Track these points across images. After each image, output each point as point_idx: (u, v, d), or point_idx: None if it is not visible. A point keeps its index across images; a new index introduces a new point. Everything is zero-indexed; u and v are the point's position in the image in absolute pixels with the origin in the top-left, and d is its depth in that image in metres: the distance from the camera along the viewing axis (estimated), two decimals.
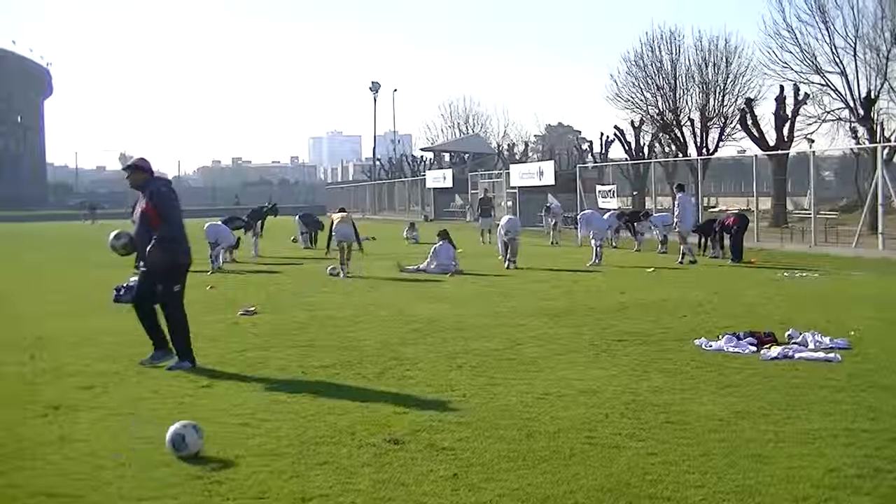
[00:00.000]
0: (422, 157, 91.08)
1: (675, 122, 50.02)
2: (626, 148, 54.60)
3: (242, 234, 28.36)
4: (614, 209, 34.63)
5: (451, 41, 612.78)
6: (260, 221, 30.60)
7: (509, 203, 49.14)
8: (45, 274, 24.14)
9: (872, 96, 38.44)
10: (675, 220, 25.13)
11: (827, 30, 40.40)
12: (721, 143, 48.87)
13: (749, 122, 42.15)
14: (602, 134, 60.68)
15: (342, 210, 23.87)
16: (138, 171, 10.55)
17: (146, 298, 10.52)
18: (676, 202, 25.93)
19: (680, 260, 23.75)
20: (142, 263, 10.51)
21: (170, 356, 10.42)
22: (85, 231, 49.82)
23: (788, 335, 11.24)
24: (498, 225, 25.63)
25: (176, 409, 8.27)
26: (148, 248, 10.17)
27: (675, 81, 50.66)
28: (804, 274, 20.29)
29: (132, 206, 11.09)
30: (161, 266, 10.24)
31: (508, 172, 52.77)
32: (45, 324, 14.10)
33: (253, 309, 15.13)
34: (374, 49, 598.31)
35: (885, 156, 28.60)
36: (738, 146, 53.00)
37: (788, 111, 40.88)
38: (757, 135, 41.97)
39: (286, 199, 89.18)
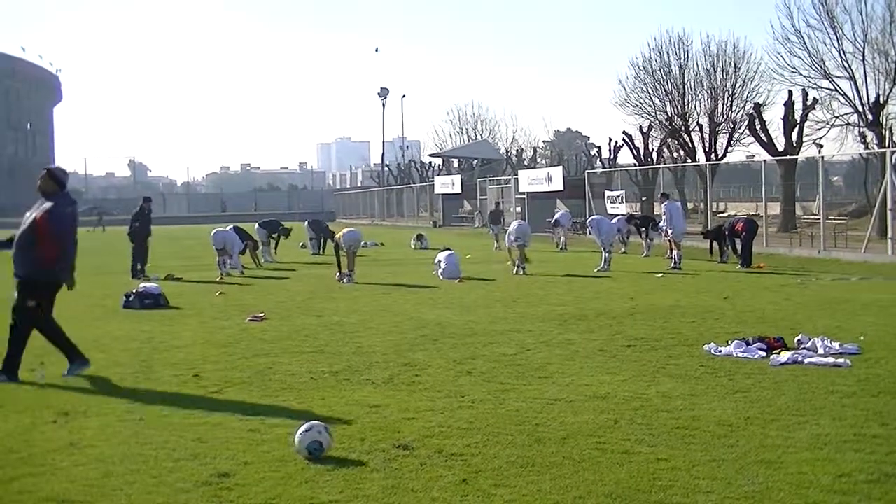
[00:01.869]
0: (430, 162, 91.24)
1: (683, 128, 49.97)
2: (635, 153, 54.55)
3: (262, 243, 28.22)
4: (623, 214, 34.58)
5: (460, 47, 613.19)
6: (272, 238, 30.17)
7: (518, 209, 49.11)
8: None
9: (881, 101, 38.34)
10: (666, 228, 25.00)
11: (835, 34, 40.34)
12: (730, 149, 48.81)
13: (758, 127, 42.09)
14: (611, 139, 60.74)
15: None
16: (51, 179, 10.25)
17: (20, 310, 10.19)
18: (663, 210, 25.86)
19: (672, 265, 23.68)
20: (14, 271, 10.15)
21: (84, 365, 10.23)
22: (93, 237, 49.90)
23: (798, 340, 11.21)
24: (507, 231, 25.59)
25: (186, 415, 8.28)
26: (31, 271, 9.93)
27: (684, 87, 50.61)
28: (817, 278, 20.26)
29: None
30: (30, 280, 9.99)
31: (517, 178, 52.77)
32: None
33: (262, 315, 15.15)
34: (382, 55, 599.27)
35: (894, 161, 28.50)
36: (746, 151, 53.02)
37: (797, 116, 40.80)
38: (765, 140, 41.90)
39: (295, 206, 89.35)
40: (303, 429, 6.91)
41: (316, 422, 7.06)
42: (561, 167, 56.22)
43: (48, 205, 10.03)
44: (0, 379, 9.90)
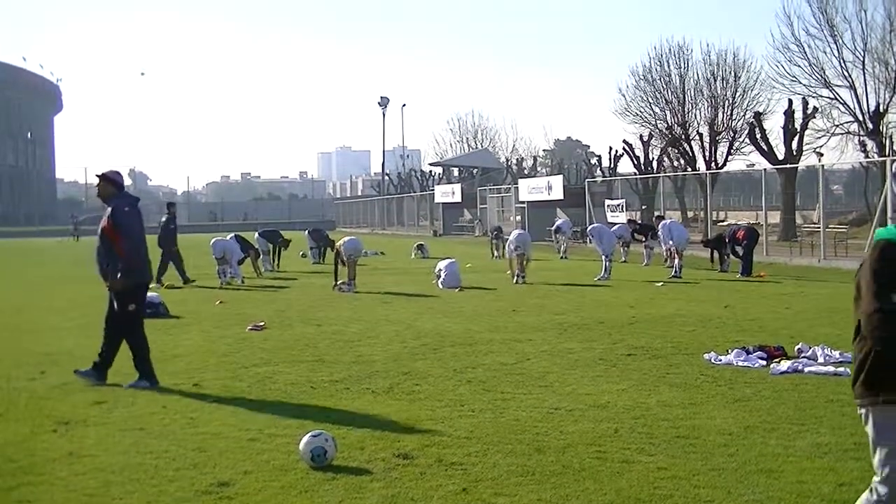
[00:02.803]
0: (430, 171, 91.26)
1: (683, 136, 50.06)
2: (635, 162, 54.61)
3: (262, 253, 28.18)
4: (623, 223, 34.58)
5: (460, 56, 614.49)
6: (273, 248, 30.08)
7: (518, 218, 49.12)
8: (54, 289, 24.18)
9: (881, 110, 38.44)
10: (667, 240, 25.01)
11: (835, 43, 40.46)
12: (730, 157, 48.91)
13: (758, 135, 42.16)
14: (611, 148, 60.85)
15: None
16: (109, 183, 10.37)
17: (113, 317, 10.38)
18: (660, 230, 25.94)
19: (673, 274, 23.70)
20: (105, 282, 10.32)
21: (101, 380, 10.26)
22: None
23: (798, 349, 11.21)
24: (508, 240, 25.59)
25: (186, 424, 8.28)
26: (112, 275, 10.05)
27: (684, 95, 50.75)
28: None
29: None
30: (122, 288, 10.13)
31: (517, 187, 52.81)
32: (54, 339, 14.14)
33: (262, 324, 15.15)
34: (382, 64, 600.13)
35: (894, 169, 28.37)
36: (746, 160, 53.07)
37: (797, 125, 40.88)
38: (766, 149, 41.96)
39: (295, 215, 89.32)
40: (311, 434, 6.92)
41: (325, 431, 7.07)
42: (561, 176, 56.28)
43: (110, 209, 10.20)
44: (142, 385, 10.06)
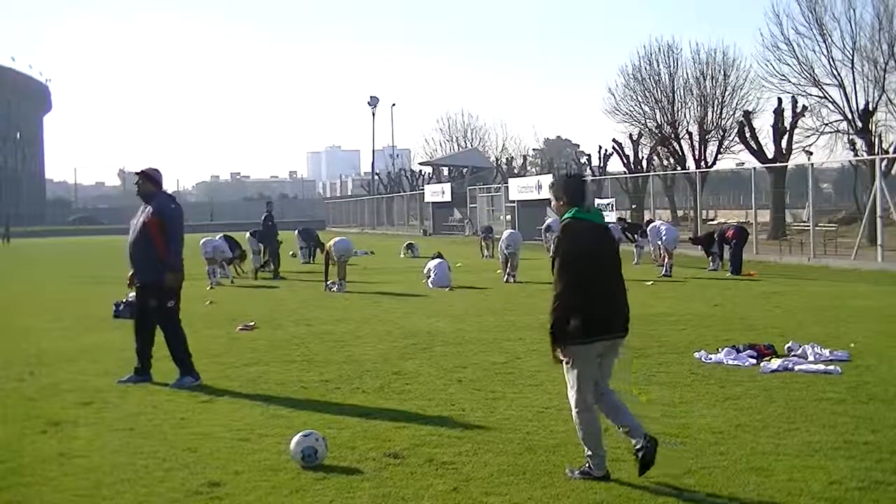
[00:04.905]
0: (420, 171, 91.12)
1: (673, 135, 50.10)
2: (625, 161, 54.62)
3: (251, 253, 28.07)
4: (614, 222, 34.58)
5: (450, 56, 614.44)
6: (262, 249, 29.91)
7: (508, 217, 49.10)
8: (43, 290, 24.13)
9: (870, 108, 38.48)
10: (659, 242, 25.08)
11: (825, 42, 40.49)
12: (719, 156, 48.95)
13: (747, 134, 42.18)
14: (601, 147, 60.71)
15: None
16: (148, 181, 10.40)
17: (146, 315, 10.42)
18: (648, 232, 26.06)
19: (663, 273, 23.76)
20: (136, 279, 10.37)
21: (145, 381, 10.23)
22: (83, 247, 49.73)
23: (788, 347, 11.22)
24: (498, 239, 25.61)
25: (176, 424, 8.27)
26: (156, 273, 10.07)
27: (674, 94, 50.78)
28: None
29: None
30: (169, 285, 10.15)
31: (507, 186, 52.77)
32: (44, 340, 14.10)
33: (252, 324, 15.13)
34: (372, 64, 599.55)
35: (883, 168, 28.60)
36: (736, 159, 53.09)
37: (787, 123, 40.91)
38: (755, 147, 41.99)
39: (285, 215, 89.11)
40: (301, 434, 6.91)
41: (315, 431, 7.06)
42: (551, 175, 56.22)
43: (153, 206, 10.20)
44: (187, 382, 10.05)
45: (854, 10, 40.33)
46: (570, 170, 62.10)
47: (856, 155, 39.39)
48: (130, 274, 10.49)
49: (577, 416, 6.40)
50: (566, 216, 6.75)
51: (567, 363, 6.54)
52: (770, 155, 41.06)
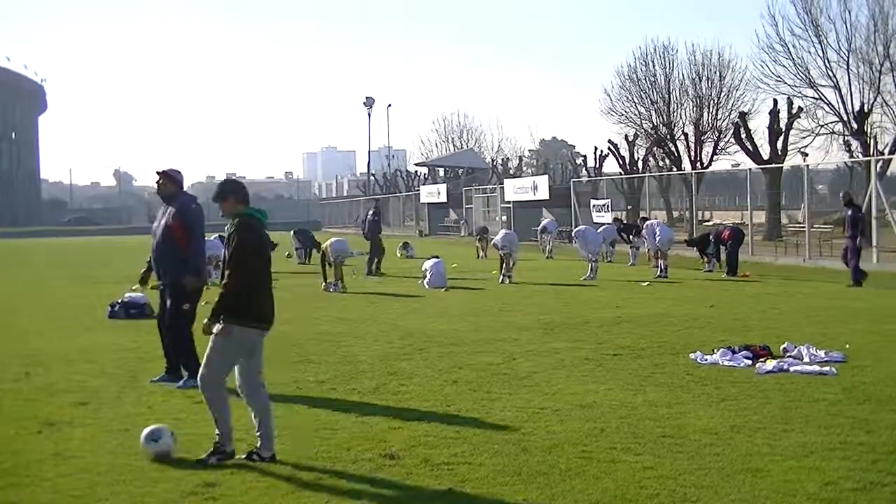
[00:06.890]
0: (416, 171, 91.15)
1: (669, 136, 50.23)
2: (621, 162, 54.66)
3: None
4: (609, 223, 34.59)
5: (445, 56, 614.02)
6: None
7: (504, 218, 49.10)
8: (39, 290, 24.08)
9: (866, 110, 38.61)
10: (654, 242, 25.08)
11: (820, 44, 40.66)
12: (715, 157, 49.10)
13: (743, 135, 42.27)
14: (596, 148, 60.77)
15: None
16: (170, 182, 10.34)
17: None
18: (644, 231, 26.08)
19: (658, 274, 23.78)
20: (163, 281, 10.30)
21: (177, 380, 10.23)
22: (79, 247, 49.62)
23: (783, 348, 11.24)
24: (493, 240, 25.60)
25: (171, 425, 8.24)
26: (185, 276, 10.03)
27: (669, 95, 50.94)
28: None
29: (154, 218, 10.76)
30: (194, 287, 10.12)
31: (503, 187, 52.76)
32: (39, 340, 14.06)
33: None
34: (367, 65, 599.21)
35: (878, 169, 28.64)
36: (732, 160, 53.21)
37: (782, 125, 41.00)
38: (751, 148, 42.07)
39: (281, 215, 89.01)
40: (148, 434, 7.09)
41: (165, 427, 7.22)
42: (546, 176, 56.19)
43: (175, 207, 10.15)
44: (192, 384, 9.77)
45: (849, 12, 40.67)
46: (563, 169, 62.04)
47: (851, 156, 39.53)
48: (143, 272, 10.46)
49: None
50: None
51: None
52: (766, 156, 41.14)
